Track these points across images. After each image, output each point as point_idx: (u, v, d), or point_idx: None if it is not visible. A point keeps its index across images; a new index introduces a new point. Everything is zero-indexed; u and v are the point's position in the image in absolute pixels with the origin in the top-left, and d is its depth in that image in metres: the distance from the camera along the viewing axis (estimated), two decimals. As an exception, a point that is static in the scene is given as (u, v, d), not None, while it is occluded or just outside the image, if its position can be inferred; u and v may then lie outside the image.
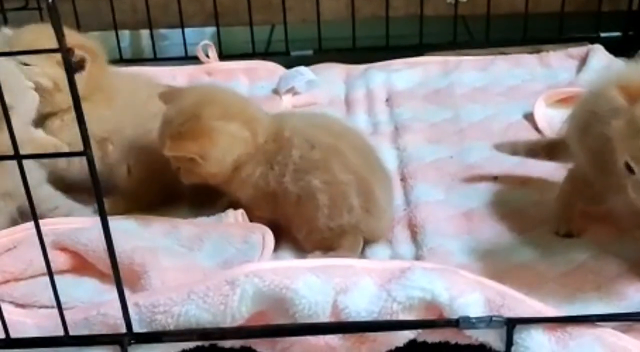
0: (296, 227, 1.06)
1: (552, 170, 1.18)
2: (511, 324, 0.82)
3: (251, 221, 1.09)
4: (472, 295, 0.84)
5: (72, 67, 0.69)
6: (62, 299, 0.82)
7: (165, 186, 1.15)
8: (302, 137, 1.05)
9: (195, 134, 1.02)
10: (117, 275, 0.79)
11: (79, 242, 1.00)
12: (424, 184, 1.19)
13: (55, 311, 0.88)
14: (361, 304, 0.84)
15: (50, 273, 0.80)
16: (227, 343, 0.87)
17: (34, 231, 0.98)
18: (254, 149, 1.05)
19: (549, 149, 1.15)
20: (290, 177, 1.04)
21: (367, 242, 1.07)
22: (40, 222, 0.80)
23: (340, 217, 1.03)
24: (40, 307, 0.96)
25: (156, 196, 1.17)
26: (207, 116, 1.03)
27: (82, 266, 1.01)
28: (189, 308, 0.84)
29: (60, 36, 0.67)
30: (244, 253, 1.01)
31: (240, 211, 1.09)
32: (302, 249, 1.07)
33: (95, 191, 0.75)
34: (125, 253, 0.96)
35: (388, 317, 0.83)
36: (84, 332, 0.86)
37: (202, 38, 1.66)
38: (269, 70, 1.59)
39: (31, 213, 0.78)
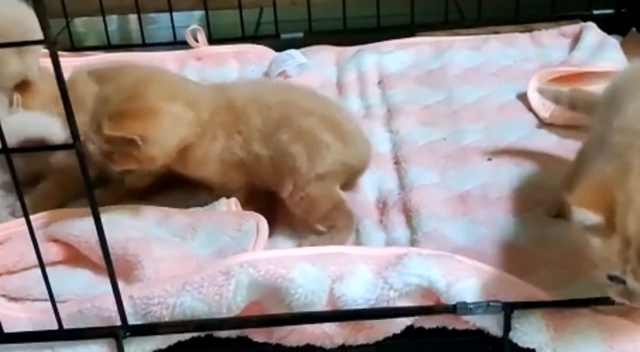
0: (282, 188, 1.04)
1: (548, 151, 1.18)
2: (509, 309, 0.81)
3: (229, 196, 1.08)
4: (469, 281, 0.84)
5: (57, 59, 0.67)
6: (55, 291, 0.82)
7: (156, 173, 1.14)
8: (255, 103, 1.05)
9: (138, 114, 0.98)
10: (110, 268, 0.78)
11: (71, 234, 0.99)
12: (418, 167, 1.17)
13: (50, 305, 0.87)
14: (357, 292, 0.83)
15: (42, 267, 0.79)
16: (223, 334, 0.87)
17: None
18: (199, 127, 1.03)
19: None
20: (259, 143, 1.04)
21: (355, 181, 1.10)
22: (33, 216, 0.79)
23: (321, 158, 1.03)
24: (34, 300, 0.96)
25: (147, 184, 1.16)
26: (152, 96, 0.99)
27: (75, 257, 1.00)
28: (184, 299, 0.83)
29: (45, 26, 0.66)
30: (237, 241, 0.99)
31: (234, 200, 1.08)
32: (296, 235, 1.06)
33: (86, 183, 0.74)
34: (119, 243, 0.95)
35: (385, 305, 0.83)
36: (79, 325, 0.85)
37: (190, 22, 1.63)
38: (259, 54, 1.58)
39: (20, 206, 0.77)
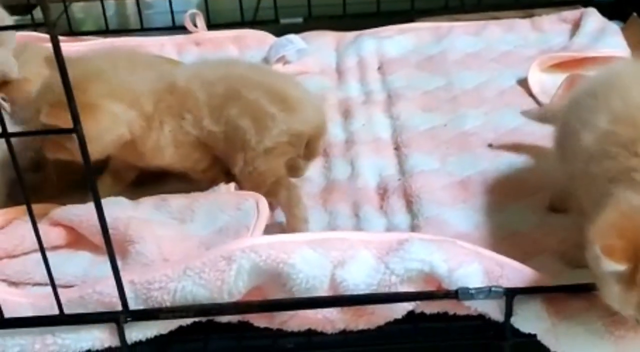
0: (233, 163, 1.06)
1: (549, 137, 1.17)
2: (510, 295, 0.81)
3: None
4: (470, 266, 0.83)
5: (58, 45, 0.66)
6: (55, 275, 0.81)
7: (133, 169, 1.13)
8: (198, 80, 1.06)
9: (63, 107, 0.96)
10: (111, 253, 0.78)
11: (72, 213, 0.99)
12: (418, 153, 1.17)
13: (50, 290, 0.87)
14: (359, 277, 0.83)
15: (42, 250, 0.79)
16: (224, 318, 0.86)
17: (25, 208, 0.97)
18: (144, 122, 1.02)
19: None
20: (209, 119, 1.05)
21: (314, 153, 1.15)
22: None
23: (267, 130, 1.04)
24: (34, 284, 0.95)
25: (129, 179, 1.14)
26: (94, 92, 0.98)
27: (75, 240, 1.00)
28: (185, 284, 0.83)
29: (45, 9, 0.65)
30: (238, 220, 0.98)
31: (233, 184, 1.07)
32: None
33: (86, 168, 0.73)
34: (121, 220, 0.95)
35: (386, 290, 0.83)
36: (80, 310, 0.85)
37: (189, 7, 1.62)
38: (259, 39, 1.56)
39: (21, 189, 0.77)
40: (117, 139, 1.00)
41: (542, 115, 1.17)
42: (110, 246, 0.78)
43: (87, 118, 0.95)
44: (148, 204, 1.04)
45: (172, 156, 1.07)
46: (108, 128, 0.99)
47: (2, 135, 0.71)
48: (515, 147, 1.18)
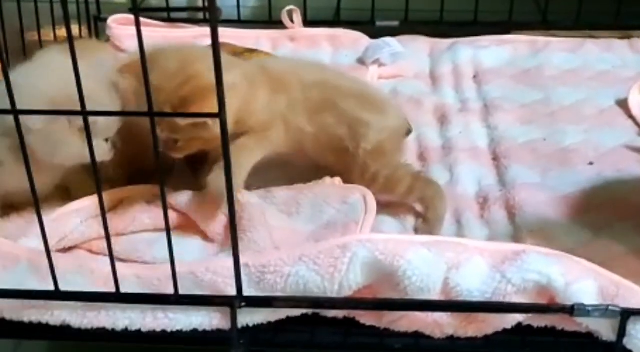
0: (348, 175, 1.05)
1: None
2: (626, 315, 0.80)
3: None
4: (586, 282, 0.83)
5: (216, 33, 0.67)
6: (165, 257, 0.81)
7: None
8: (294, 78, 1.05)
9: (203, 94, 0.89)
10: (234, 238, 0.78)
11: (187, 197, 1.00)
12: (518, 165, 1.16)
13: (160, 268, 0.88)
14: (474, 284, 0.83)
15: (168, 234, 0.79)
16: (330, 313, 0.87)
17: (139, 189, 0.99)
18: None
19: None
20: (303, 117, 1.04)
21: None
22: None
23: (363, 136, 1.04)
24: (142, 263, 0.96)
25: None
26: (205, 72, 0.91)
27: (185, 225, 1.00)
28: (298, 269, 0.84)
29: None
30: (345, 214, 0.98)
31: (337, 178, 1.06)
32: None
33: (224, 154, 0.74)
34: (239, 204, 0.96)
35: (501, 299, 0.82)
36: (185, 291, 0.85)
37: (287, 2, 1.63)
38: (353, 39, 1.57)
39: (156, 173, 0.78)
40: (240, 107, 0.97)
41: None
42: (234, 232, 0.78)
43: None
44: (253, 193, 1.05)
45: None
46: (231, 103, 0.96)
47: (146, 114, 0.73)
48: (618, 168, 1.16)
